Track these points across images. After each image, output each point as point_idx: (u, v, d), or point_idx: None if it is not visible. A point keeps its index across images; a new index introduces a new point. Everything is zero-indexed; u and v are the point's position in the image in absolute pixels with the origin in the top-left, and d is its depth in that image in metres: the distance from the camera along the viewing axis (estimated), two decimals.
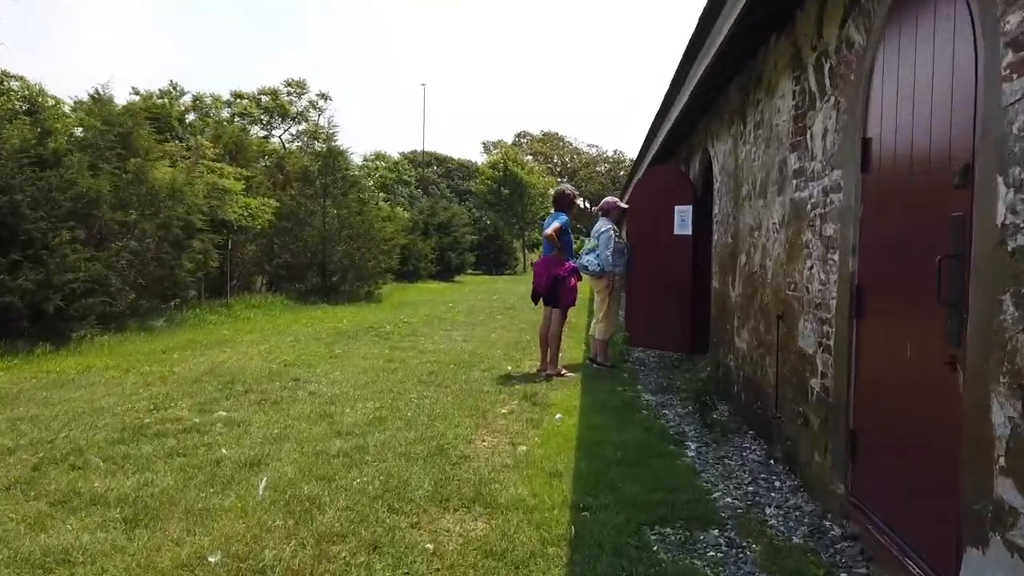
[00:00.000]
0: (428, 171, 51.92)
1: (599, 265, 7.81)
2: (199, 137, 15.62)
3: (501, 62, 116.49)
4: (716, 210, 7.01)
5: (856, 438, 3.29)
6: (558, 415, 5.40)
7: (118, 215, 9.93)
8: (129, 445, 4.45)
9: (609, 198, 8.42)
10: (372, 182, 38.18)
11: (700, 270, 7.99)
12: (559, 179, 56.77)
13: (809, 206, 3.99)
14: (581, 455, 4.33)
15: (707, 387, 5.63)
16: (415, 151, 52.28)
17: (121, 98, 28.48)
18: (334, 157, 17.04)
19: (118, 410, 5.41)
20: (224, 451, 4.30)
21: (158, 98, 27.95)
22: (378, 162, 39.65)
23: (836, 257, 3.54)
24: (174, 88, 30.90)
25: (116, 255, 9.63)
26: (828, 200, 3.69)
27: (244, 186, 13.81)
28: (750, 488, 3.91)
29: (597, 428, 5.02)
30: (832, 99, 3.67)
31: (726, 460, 4.44)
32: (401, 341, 9.62)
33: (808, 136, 4.06)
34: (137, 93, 29.82)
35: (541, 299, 7.50)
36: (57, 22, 77.61)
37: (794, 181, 4.32)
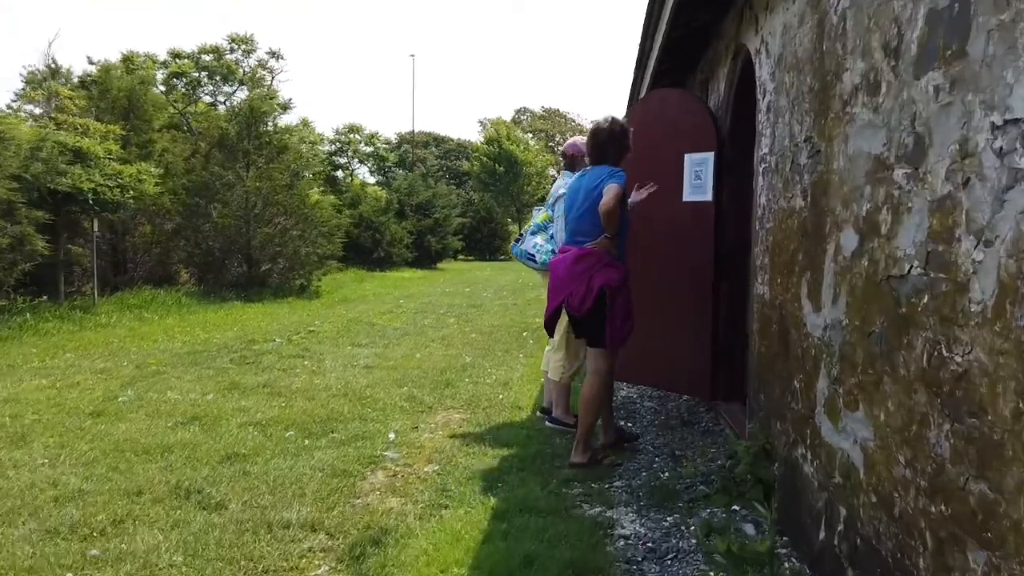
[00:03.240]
0: (425, 152, 48.18)
1: (553, 253, 4.55)
2: (53, 83, 12.24)
3: (498, 33, 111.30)
4: (763, 149, 3.66)
5: None
6: None
7: None
8: None
9: (577, 138, 5.00)
10: (345, 159, 34.79)
11: (728, 260, 4.71)
12: (559, 160, 52.68)
13: None
14: None
15: (768, 548, 2.33)
16: (411, 132, 48.59)
17: (78, 69, 25.65)
18: (256, 117, 13.61)
19: None
20: None
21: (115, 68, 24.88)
22: (352, 135, 35.89)
23: None
24: (130, 59, 27.89)
25: None
26: None
27: (120, 150, 10.48)
28: None
29: None
30: None
31: None
32: (267, 370, 6.32)
33: None
34: (91, 63, 26.80)
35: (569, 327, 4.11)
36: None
37: None
